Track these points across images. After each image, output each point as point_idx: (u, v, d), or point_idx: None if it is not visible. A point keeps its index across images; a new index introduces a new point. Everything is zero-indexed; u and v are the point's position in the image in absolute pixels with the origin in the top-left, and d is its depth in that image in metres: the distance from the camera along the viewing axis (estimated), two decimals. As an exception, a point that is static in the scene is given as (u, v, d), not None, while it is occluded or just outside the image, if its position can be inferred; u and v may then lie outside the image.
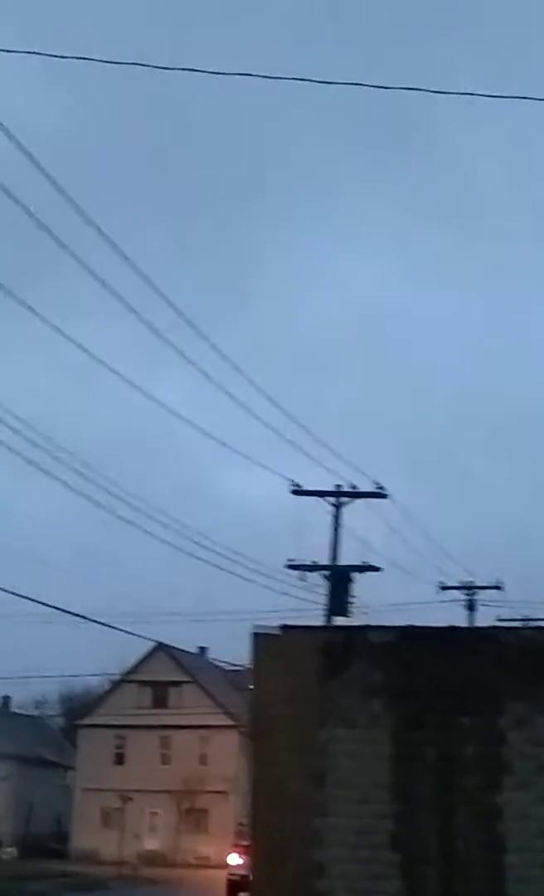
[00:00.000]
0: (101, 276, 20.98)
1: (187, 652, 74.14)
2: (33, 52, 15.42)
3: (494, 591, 48.86)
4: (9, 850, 69.80)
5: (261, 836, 13.39)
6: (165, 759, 72.70)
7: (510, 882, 12.56)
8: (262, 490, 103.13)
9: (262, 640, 13.63)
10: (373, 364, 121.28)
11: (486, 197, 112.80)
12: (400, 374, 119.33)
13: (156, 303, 21.82)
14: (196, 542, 32.33)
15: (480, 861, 12.65)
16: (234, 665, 57.11)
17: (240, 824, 43.26)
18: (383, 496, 37.43)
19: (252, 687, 14.10)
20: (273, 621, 14.03)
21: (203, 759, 71.71)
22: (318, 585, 37.00)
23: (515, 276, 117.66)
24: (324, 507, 37.49)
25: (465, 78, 45.67)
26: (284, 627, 13.85)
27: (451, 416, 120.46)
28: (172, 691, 74.28)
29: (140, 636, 66.77)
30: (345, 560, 37.26)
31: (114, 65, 15.40)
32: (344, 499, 37.57)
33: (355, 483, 37.33)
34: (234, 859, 39.52)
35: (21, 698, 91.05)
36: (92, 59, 15.40)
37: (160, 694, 74.53)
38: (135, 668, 75.00)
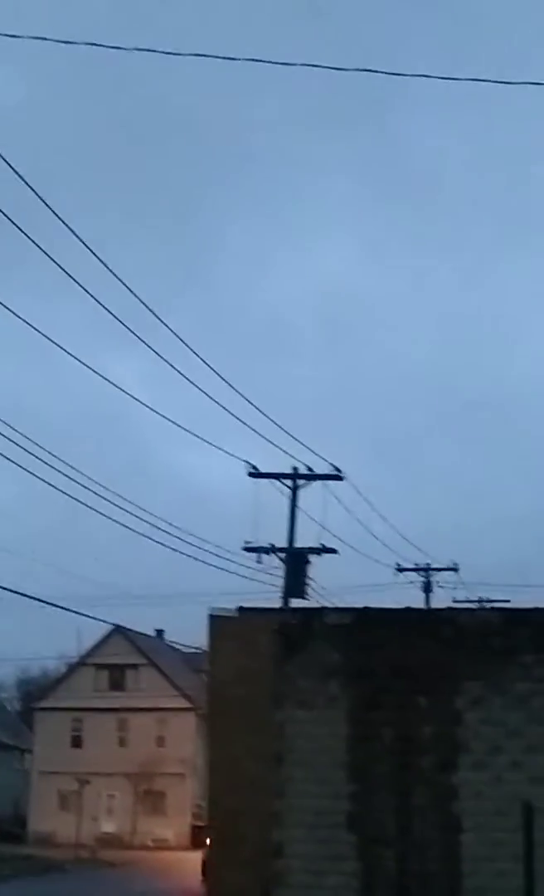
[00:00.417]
0: (56, 257, 20.78)
1: (144, 634, 74.08)
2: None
3: (450, 572, 49.17)
4: (-34, 833, 69.64)
5: (218, 817, 13.43)
6: (122, 742, 72.67)
7: (465, 861, 12.67)
8: (220, 473, 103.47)
9: (219, 623, 13.65)
10: (331, 346, 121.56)
11: (446, 177, 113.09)
12: (357, 356, 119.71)
13: (112, 284, 21.63)
14: (152, 525, 32.13)
15: (436, 841, 12.75)
16: (191, 647, 57.06)
17: (198, 806, 43.34)
18: (340, 479, 37.45)
19: (209, 669, 14.10)
20: (230, 604, 14.00)
21: (160, 742, 71.76)
22: (275, 568, 37.02)
23: (474, 258, 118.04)
24: (282, 489, 37.52)
25: (420, 62, 45.58)
26: (241, 609, 13.87)
27: (409, 398, 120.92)
28: (129, 674, 74.23)
29: (97, 619, 66.95)
30: (301, 542, 37.27)
31: (69, 45, 15.27)
32: (300, 481, 37.57)
33: (312, 465, 37.37)
34: None
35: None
36: (47, 39, 15.24)
37: (117, 676, 74.47)
38: (91, 651, 74.88)
